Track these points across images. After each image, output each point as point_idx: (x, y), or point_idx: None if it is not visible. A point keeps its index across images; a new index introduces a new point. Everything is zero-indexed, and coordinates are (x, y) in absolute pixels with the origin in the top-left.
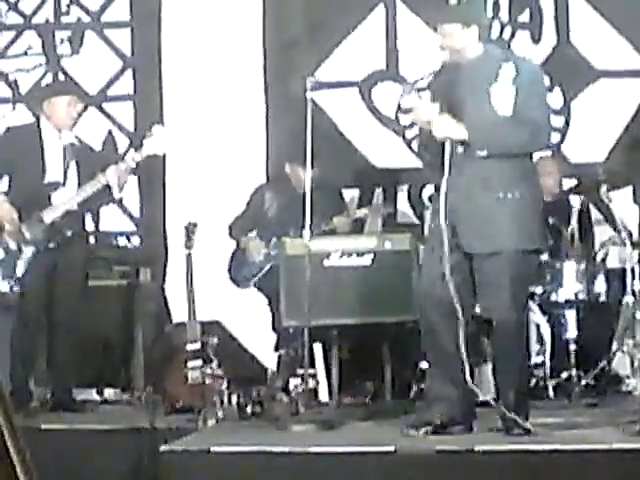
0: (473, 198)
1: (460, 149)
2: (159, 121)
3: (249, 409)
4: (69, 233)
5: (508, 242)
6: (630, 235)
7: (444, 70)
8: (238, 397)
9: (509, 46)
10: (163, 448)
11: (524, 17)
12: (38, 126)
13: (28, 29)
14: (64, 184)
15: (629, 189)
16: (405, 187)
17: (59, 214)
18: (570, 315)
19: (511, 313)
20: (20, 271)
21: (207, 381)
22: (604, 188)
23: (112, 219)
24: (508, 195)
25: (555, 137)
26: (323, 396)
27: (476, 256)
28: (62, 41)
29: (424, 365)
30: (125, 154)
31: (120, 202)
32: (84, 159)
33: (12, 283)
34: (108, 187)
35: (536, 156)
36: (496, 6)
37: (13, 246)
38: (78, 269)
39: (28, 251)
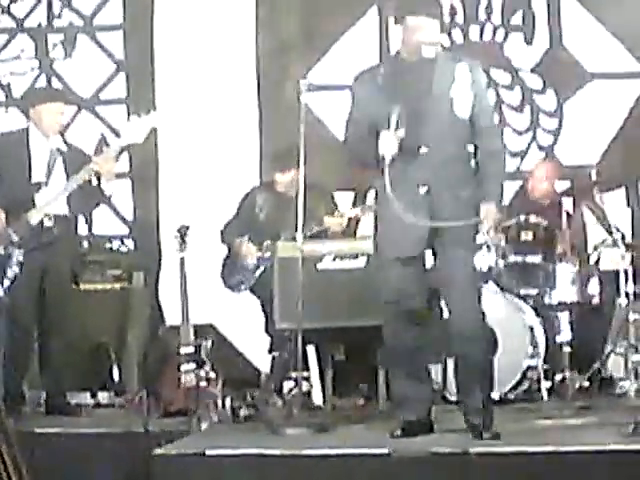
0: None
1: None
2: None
3: (243, 412)
4: (55, 231)
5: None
6: (623, 237)
7: (402, 66)
8: (232, 400)
9: (502, 48)
10: (157, 451)
11: (517, 19)
12: (27, 131)
13: (21, 32)
14: (47, 184)
15: (622, 191)
16: None
17: (44, 213)
18: (564, 317)
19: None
20: (11, 275)
21: (201, 384)
22: (597, 190)
23: (105, 223)
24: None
25: (548, 139)
26: (317, 399)
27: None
28: (55, 45)
29: None
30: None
31: (109, 200)
32: (73, 163)
33: (3, 287)
34: (98, 186)
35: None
36: (489, 8)
37: (0, 250)
38: (66, 270)
39: (16, 254)
